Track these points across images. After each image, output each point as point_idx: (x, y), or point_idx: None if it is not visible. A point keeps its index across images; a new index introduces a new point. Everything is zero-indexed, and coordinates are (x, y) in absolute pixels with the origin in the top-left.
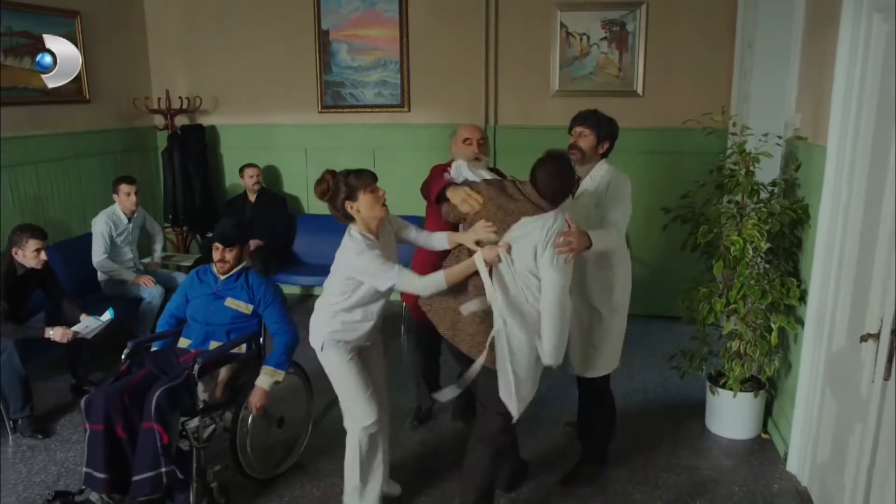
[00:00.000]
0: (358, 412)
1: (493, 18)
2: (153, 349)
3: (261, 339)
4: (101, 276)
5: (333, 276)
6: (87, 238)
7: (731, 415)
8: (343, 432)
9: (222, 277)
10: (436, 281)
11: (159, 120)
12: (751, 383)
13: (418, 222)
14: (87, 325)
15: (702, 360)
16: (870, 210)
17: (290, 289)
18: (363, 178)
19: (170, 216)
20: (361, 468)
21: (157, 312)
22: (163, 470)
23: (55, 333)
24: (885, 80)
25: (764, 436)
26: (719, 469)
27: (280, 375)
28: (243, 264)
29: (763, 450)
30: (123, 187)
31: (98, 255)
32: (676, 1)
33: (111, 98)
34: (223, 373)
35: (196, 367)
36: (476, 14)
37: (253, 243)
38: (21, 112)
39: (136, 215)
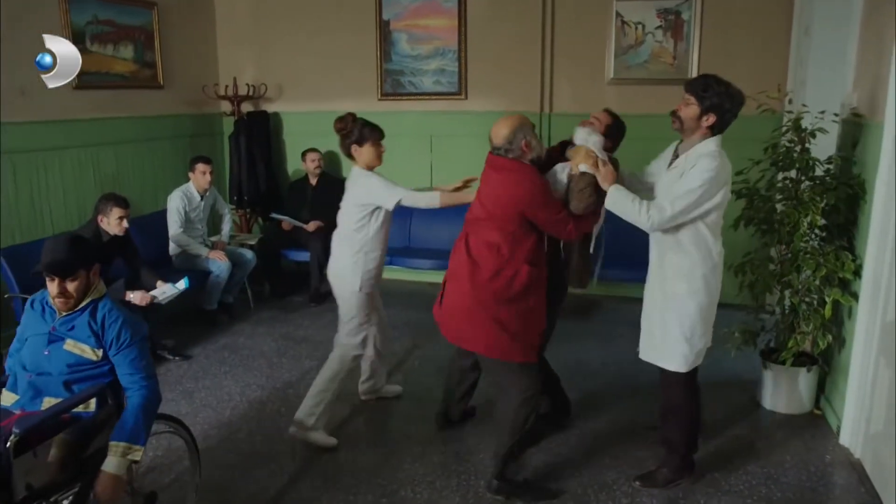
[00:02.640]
0: (353, 339)
1: (549, 8)
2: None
3: (120, 390)
4: (173, 250)
5: (345, 216)
6: (159, 215)
7: (783, 390)
8: None
9: (63, 313)
10: (432, 198)
11: (227, 106)
12: (803, 359)
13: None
14: (164, 291)
15: (755, 335)
16: None
17: None
18: (374, 133)
19: (234, 198)
20: (327, 386)
21: (223, 286)
22: None
23: (135, 297)
24: None
25: (816, 412)
26: (771, 440)
27: (137, 453)
28: (93, 295)
29: (816, 425)
30: (200, 166)
31: (174, 228)
32: None
33: (183, 85)
34: (61, 443)
35: (12, 439)
36: (533, 3)
37: (313, 224)
38: (104, 95)
39: (208, 194)
